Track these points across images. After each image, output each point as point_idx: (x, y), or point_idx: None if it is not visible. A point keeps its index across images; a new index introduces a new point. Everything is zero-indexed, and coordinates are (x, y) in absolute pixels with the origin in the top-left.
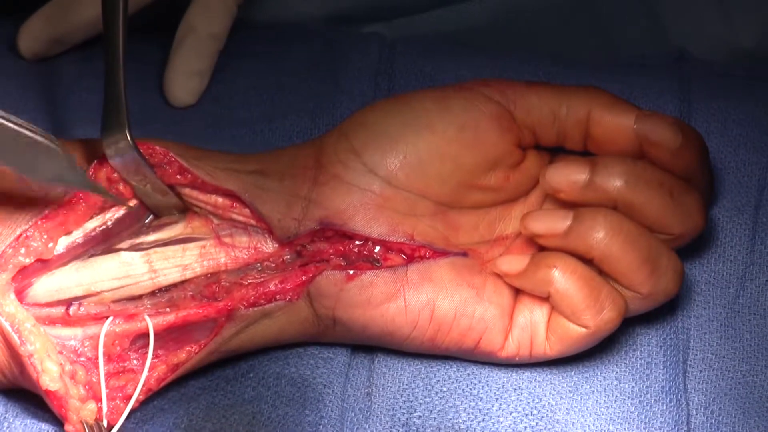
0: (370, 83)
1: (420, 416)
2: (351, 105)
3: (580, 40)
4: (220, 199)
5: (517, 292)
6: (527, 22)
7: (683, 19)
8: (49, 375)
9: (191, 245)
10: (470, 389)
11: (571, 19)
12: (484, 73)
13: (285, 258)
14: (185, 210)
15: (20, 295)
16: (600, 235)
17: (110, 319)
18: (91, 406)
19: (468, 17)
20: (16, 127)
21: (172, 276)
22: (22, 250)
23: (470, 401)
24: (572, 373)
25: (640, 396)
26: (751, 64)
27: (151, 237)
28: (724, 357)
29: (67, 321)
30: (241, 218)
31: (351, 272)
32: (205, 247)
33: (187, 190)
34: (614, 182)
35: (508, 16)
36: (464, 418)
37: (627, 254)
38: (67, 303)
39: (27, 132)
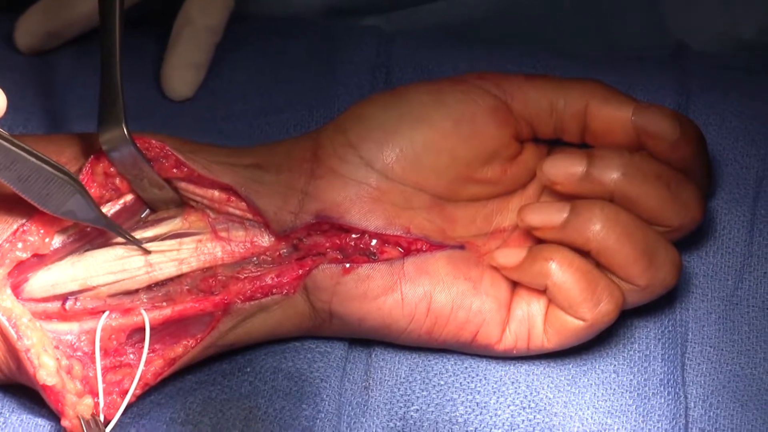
0: (367, 76)
1: (417, 410)
2: (348, 98)
3: (579, 32)
4: (216, 193)
5: (515, 284)
6: (526, 15)
7: (683, 11)
8: (46, 370)
9: (187, 239)
10: (468, 382)
11: (569, 12)
12: (482, 66)
13: (281, 251)
14: (182, 204)
15: (16, 290)
16: (597, 228)
17: (106, 313)
18: (88, 400)
19: (466, 10)
20: (37, 162)
21: (168, 270)
22: (19, 245)
23: (468, 394)
24: (570, 366)
25: (639, 389)
26: (751, 56)
27: (149, 232)
28: (722, 349)
29: (63, 316)
30: (237, 212)
31: (347, 265)
32: (201, 241)
33: (183, 184)
34: (611, 174)
35: (506, 9)
36: (461, 412)
37: (624, 246)
38: (63, 298)
39: (47, 167)
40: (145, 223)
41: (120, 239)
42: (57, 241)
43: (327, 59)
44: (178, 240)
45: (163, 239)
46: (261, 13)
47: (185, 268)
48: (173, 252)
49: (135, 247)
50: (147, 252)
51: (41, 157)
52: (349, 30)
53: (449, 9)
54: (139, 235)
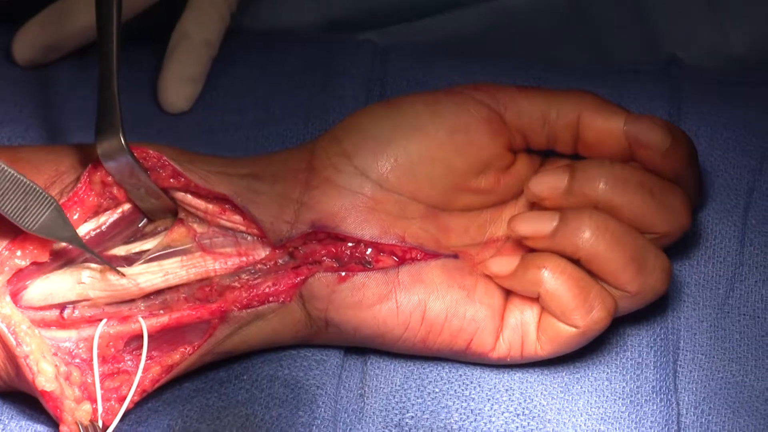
0: (362, 89)
1: (412, 417)
2: (343, 111)
3: (573, 47)
4: (211, 204)
5: (508, 293)
6: (520, 30)
7: (676, 26)
8: (45, 376)
9: (171, 259)
10: (462, 390)
11: (563, 26)
12: (477, 79)
13: (278, 260)
14: (178, 214)
15: (15, 298)
16: (586, 235)
17: (104, 321)
18: (86, 407)
19: (461, 25)
20: (17, 174)
21: (155, 282)
22: (18, 253)
23: (462, 402)
24: (563, 374)
25: (631, 396)
26: (742, 70)
27: (147, 244)
28: (714, 357)
29: (61, 324)
30: (228, 224)
31: (343, 274)
32: (186, 257)
33: (180, 194)
34: (594, 185)
35: (500, 24)
36: (456, 419)
37: (613, 253)
38: (62, 306)
39: (26, 180)
40: (143, 235)
41: (118, 250)
42: (56, 249)
43: (322, 72)
44: (158, 262)
45: (142, 262)
46: (257, 27)
47: (173, 279)
48: (155, 268)
49: (124, 261)
50: (122, 275)
51: (19, 173)
52: (345, 43)
53: (443, 24)
54: (137, 248)
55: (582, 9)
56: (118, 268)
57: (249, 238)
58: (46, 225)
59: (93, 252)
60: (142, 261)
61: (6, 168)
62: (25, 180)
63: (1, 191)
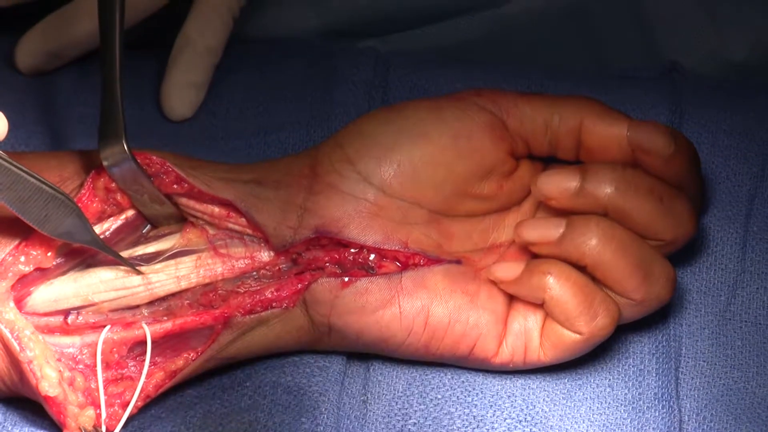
0: (364, 96)
1: (415, 423)
2: (345, 118)
3: (573, 53)
4: (216, 209)
5: (511, 298)
6: (520, 37)
7: (675, 32)
8: (48, 381)
9: (186, 257)
10: (465, 396)
11: (564, 33)
12: (478, 85)
13: (281, 266)
14: (182, 220)
15: (19, 303)
16: (593, 242)
17: (108, 327)
18: (90, 412)
19: (461, 32)
20: (37, 183)
21: (169, 287)
22: (22, 258)
23: (465, 408)
24: (565, 381)
25: (633, 403)
26: (742, 77)
27: (150, 248)
28: (715, 364)
29: (65, 330)
30: (237, 227)
31: (346, 279)
32: (201, 258)
33: (183, 200)
34: (605, 189)
35: (501, 31)
36: (459, 425)
37: (619, 261)
38: (65, 312)
39: (46, 188)
40: (147, 239)
41: (121, 255)
42: (59, 255)
43: (324, 79)
44: (175, 260)
45: (159, 261)
46: (259, 34)
47: (185, 284)
48: (172, 269)
49: (140, 263)
50: (141, 273)
51: (39, 178)
52: (347, 51)
53: (445, 31)
54: (140, 251)
55: (582, 16)
56: (137, 268)
57: (256, 240)
58: (67, 230)
59: (115, 253)
60: (159, 260)
61: (28, 178)
62: (45, 188)
63: (23, 200)
